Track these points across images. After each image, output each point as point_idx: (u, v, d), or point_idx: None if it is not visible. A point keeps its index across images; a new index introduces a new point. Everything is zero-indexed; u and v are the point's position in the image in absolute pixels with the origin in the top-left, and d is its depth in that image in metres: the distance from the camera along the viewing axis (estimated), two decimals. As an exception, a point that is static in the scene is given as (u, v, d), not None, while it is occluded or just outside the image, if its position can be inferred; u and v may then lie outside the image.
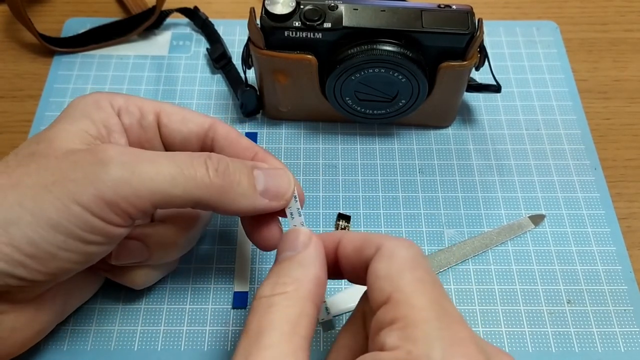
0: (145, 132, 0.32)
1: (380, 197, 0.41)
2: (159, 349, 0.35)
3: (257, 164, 0.31)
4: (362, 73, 0.38)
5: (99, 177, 0.26)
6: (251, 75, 0.43)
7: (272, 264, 0.37)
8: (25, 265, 0.26)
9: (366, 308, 0.27)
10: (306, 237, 0.28)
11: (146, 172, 0.26)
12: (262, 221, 0.31)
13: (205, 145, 0.32)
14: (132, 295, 0.36)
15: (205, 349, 0.35)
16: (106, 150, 0.27)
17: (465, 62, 0.38)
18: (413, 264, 0.25)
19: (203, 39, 0.50)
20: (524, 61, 0.48)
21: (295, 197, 0.30)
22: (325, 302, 0.29)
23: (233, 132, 0.33)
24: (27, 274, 0.26)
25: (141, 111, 0.32)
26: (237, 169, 0.29)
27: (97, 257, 0.28)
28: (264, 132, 0.44)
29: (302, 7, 0.37)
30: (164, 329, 0.35)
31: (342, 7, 0.37)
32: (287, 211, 0.30)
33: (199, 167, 0.28)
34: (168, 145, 0.33)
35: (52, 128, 0.29)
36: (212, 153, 0.29)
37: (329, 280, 0.28)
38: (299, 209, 0.30)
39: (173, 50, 0.49)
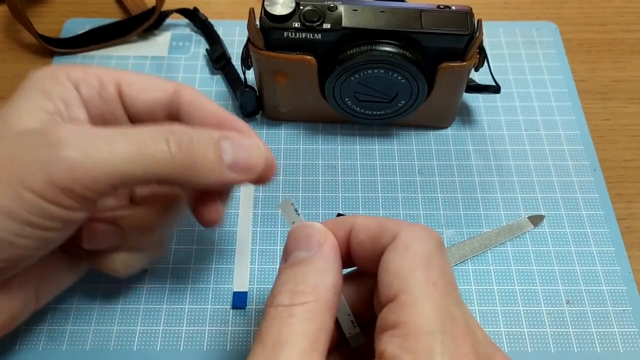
0: (107, 103, 0.30)
1: (380, 198, 0.41)
2: (158, 349, 0.35)
3: (225, 133, 0.28)
4: (362, 74, 0.38)
5: (50, 161, 0.24)
6: (251, 76, 0.43)
7: (272, 264, 0.38)
8: None
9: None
10: (321, 235, 0.26)
11: (101, 153, 0.25)
12: (206, 196, 0.30)
13: (171, 112, 0.31)
14: (131, 295, 0.36)
15: (205, 349, 0.35)
16: (58, 131, 0.25)
17: (464, 63, 0.39)
18: (427, 262, 0.24)
19: (202, 40, 0.50)
20: (523, 62, 0.48)
21: (293, 203, 0.29)
22: (350, 314, 0.27)
23: (199, 97, 0.30)
24: None
25: (100, 82, 0.30)
26: (201, 142, 0.27)
27: (58, 242, 0.27)
28: (263, 133, 0.44)
29: (301, 7, 0.37)
30: (163, 329, 0.35)
31: (341, 8, 0.37)
32: (286, 215, 0.29)
33: (159, 143, 0.26)
34: (132, 116, 0.31)
35: (7, 106, 0.27)
36: (176, 125, 0.27)
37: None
38: (296, 210, 0.29)
39: (172, 51, 0.49)
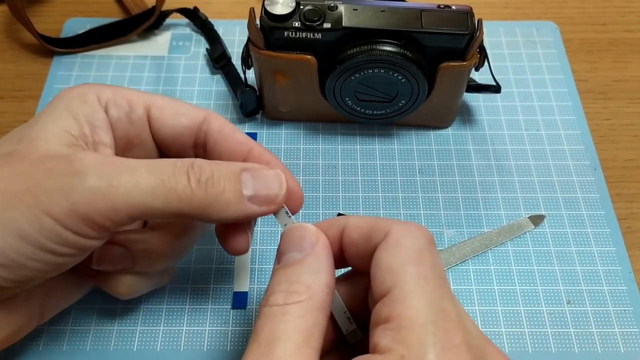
0: (134, 126, 0.30)
1: (380, 198, 0.41)
2: (158, 349, 0.35)
3: (246, 165, 0.28)
4: (362, 73, 0.38)
5: (73, 189, 0.25)
6: (251, 75, 0.43)
7: (272, 264, 0.38)
8: None
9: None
10: (313, 236, 0.26)
11: (124, 185, 0.25)
12: (231, 225, 0.30)
13: (199, 139, 0.31)
14: (131, 295, 0.36)
15: (205, 349, 0.35)
16: (83, 159, 0.25)
17: (465, 63, 0.38)
18: (418, 257, 0.24)
19: (203, 40, 0.50)
20: (523, 62, 0.48)
21: (284, 206, 0.29)
22: (346, 311, 0.27)
23: (227, 126, 0.31)
24: None
25: (130, 104, 0.30)
26: (221, 176, 0.27)
27: (68, 266, 0.27)
28: (263, 133, 0.44)
29: (301, 7, 0.37)
30: (163, 329, 0.35)
31: (341, 8, 0.37)
32: (278, 218, 0.29)
33: (180, 178, 0.26)
34: (159, 140, 0.31)
35: (35, 125, 0.27)
36: (197, 160, 0.27)
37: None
38: (287, 212, 0.29)
39: (173, 50, 0.49)
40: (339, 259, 0.27)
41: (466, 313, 0.25)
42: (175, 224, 0.32)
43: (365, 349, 0.25)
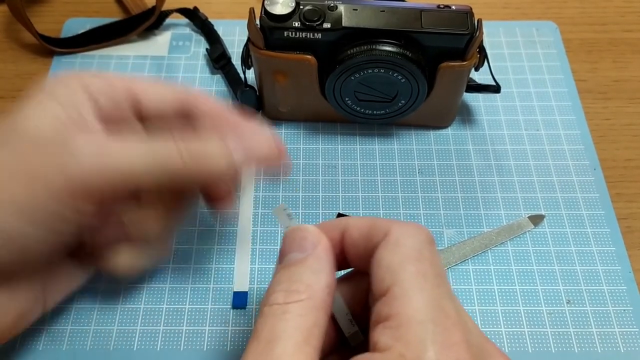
0: (119, 109, 0.31)
1: (380, 198, 0.41)
2: (158, 349, 0.35)
3: (232, 127, 0.30)
4: (362, 73, 0.38)
5: (67, 165, 0.26)
6: (251, 75, 0.43)
7: (272, 263, 0.38)
8: None
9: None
10: (314, 236, 0.26)
11: (114, 154, 0.26)
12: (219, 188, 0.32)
13: (183, 115, 0.32)
14: (131, 295, 0.36)
15: (205, 349, 0.35)
16: (74, 139, 0.27)
17: (464, 63, 0.39)
18: (418, 255, 0.24)
19: (203, 40, 0.50)
20: (523, 62, 0.48)
21: (286, 208, 0.29)
22: (348, 313, 0.28)
23: (210, 102, 0.32)
24: None
25: (113, 88, 0.31)
26: (207, 137, 0.29)
27: (63, 244, 0.28)
28: (263, 133, 0.44)
29: (301, 7, 0.37)
30: (163, 329, 0.35)
31: (341, 8, 0.37)
32: (280, 220, 0.29)
33: (168, 142, 0.28)
34: (144, 121, 0.32)
35: (23, 112, 0.28)
36: (181, 130, 0.29)
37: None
38: (289, 214, 0.29)
39: (173, 50, 0.49)
40: (341, 260, 0.28)
41: (465, 312, 0.25)
42: (166, 195, 0.32)
43: (366, 349, 0.25)
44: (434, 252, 0.25)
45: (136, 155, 0.27)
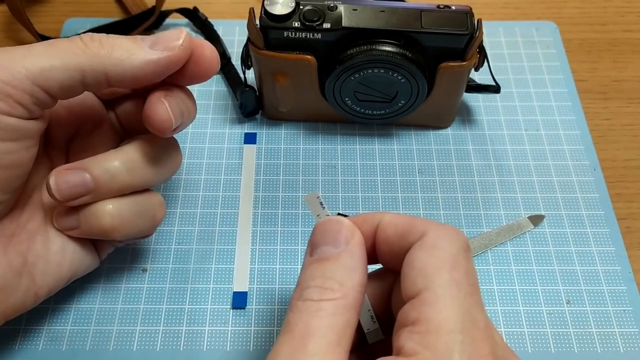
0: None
1: (380, 198, 0.41)
2: (158, 349, 0.35)
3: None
4: (362, 73, 0.38)
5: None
6: (250, 75, 0.43)
7: (272, 264, 0.38)
8: None
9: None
10: (349, 231, 0.26)
11: (20, 54, 0.27)
12: (151, 96, 0.30)
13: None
14: (131, 295, 0.36)
15: (205, 349, 0.35)
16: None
17: (464, 63, 0.39)
18: (453, 262, 0.24)
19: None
20: (523, 62, 0.48)
21: (319, 196, 0.28)
22: (370, 310, 0.27)
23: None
24: None
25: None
26: (115, 36, 0.28)
27: (16, 159, 0.28)
28: (263, 133, 0.44)
29: (301, 7, 0.37)
30: (162, 329, 0.35)
31: (341, 8, 0.37)
32: (311, 208, 0.28)
33: (73, 39, 0.28)
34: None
35: None
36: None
37: None
38: (322, 203, 0.28)
39: (173, 50, 0.49)
40: (370, 254, 0.27)
41: (492, 324, 0.25)
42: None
43: (384, 350, 0.25)
44: (469, 260, 0.25)
45: (39, 46, 0.27)
